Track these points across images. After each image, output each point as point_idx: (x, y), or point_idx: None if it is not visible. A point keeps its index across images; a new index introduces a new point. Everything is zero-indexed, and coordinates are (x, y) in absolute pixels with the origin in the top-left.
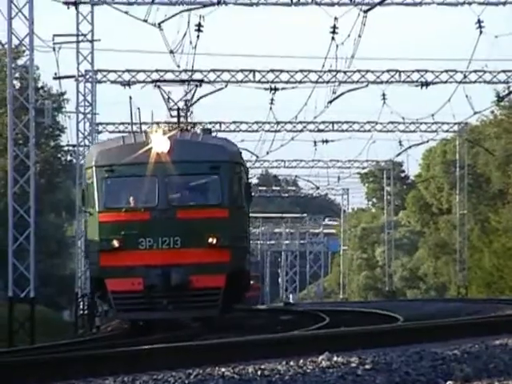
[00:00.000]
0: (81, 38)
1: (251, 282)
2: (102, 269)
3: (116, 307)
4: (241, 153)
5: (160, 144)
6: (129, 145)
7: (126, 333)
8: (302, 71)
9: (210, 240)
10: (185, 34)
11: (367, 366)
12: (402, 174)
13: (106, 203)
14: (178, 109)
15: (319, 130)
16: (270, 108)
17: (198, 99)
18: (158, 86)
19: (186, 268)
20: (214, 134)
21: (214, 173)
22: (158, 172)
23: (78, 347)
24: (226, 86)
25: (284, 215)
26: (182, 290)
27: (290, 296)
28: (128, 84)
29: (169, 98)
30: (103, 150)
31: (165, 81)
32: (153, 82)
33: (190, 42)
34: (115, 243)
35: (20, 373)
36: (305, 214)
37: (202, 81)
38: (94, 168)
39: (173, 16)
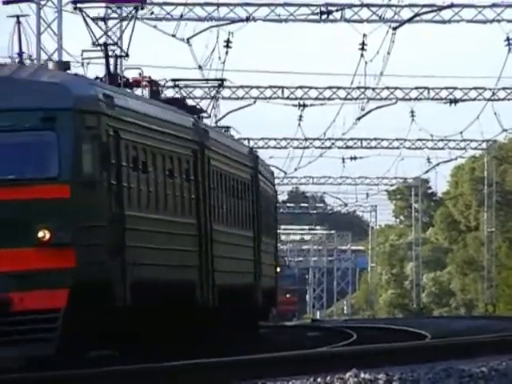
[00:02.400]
0: (109, 53)
1: (287, 296)
2: None
3: None
4: (112, 98)
5: None
6: None
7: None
8: (330, 88)
9: (41, 234)
10: (213, 50)
11: (394, 383)
12: (429, 191)
13: None
14: (106, 44)
15: (347, 147)
16: (299, 124)
17: (226, 114)
18: (80, 10)
19: (2, 280)
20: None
21: (46, 127)
22: None
23: None
24: (254, 102)
25: (312, 232)
26: None
27: (317, 313)
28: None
29: (92, 21)
30: None
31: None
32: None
33: (219, 58)
34: None
35: None
36: (333, 231)
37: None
38: None
39: (201, 32)
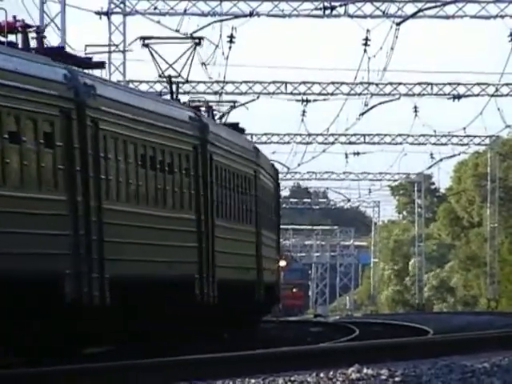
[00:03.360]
0: (113, 48)
1: (294, 290)
2: None
3: None
4: None
5: None
6: None
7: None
8: (333, 83)
9: None
10: (217, 45)
11: (397, 379)
12: (432, 187)
13: None
14: None
15: (351, 143)
16: (302, 120)
17: (231, 109)
18: None
19: None
20: None
21: None
22: None
23: None
24: (257, 97)
25: (314, 227)
26: None
27: (319, 308)
28: (160, 94)
29: None
30: None
31: None
32: None
33: (223, 53)
34: None
35: None
36: (336, 226)
37: None
38: None
39: (205, 27)
